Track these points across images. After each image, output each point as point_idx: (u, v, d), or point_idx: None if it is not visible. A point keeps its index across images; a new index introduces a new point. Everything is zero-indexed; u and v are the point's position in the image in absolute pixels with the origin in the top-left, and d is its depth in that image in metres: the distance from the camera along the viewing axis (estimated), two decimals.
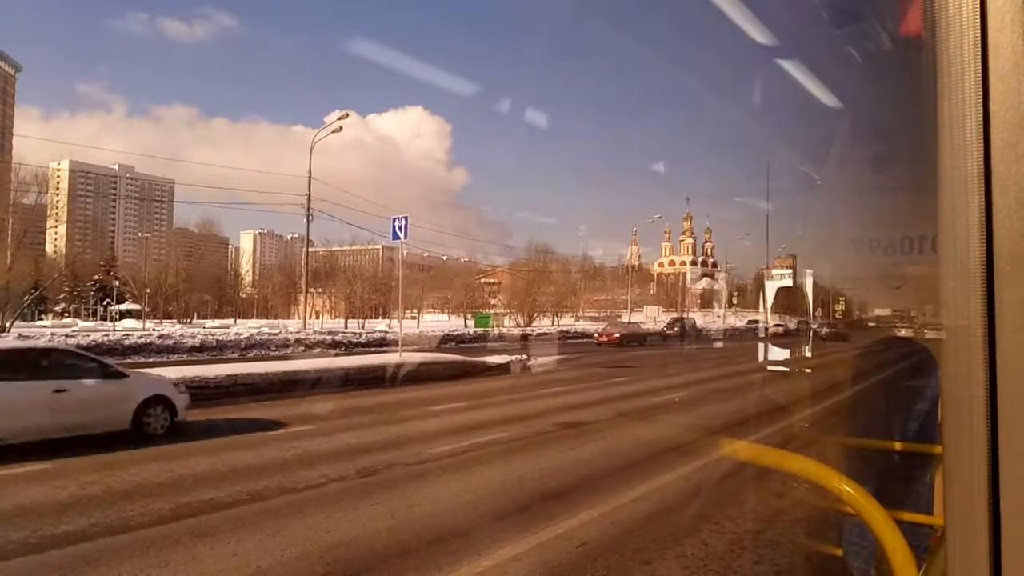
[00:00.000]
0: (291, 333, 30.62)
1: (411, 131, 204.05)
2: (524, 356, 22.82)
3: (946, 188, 1.05)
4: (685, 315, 62.35)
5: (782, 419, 11.17)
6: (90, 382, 8.92)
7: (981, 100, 0.98)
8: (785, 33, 4.07)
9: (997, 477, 0.99)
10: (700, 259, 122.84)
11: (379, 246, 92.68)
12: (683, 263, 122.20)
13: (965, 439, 1.05)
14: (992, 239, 0.99)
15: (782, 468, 2.03)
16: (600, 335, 37.94)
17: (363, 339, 32.01)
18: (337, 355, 25.14)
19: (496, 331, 44.20)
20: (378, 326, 50.29)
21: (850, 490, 1.65)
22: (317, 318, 66.70)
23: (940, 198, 1.06)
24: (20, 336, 22.62)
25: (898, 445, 3.83)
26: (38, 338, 21.94)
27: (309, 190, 34.56)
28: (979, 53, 0.97)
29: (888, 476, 3.98)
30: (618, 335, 36.63)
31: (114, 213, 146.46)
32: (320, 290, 79.72)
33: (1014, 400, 0.96)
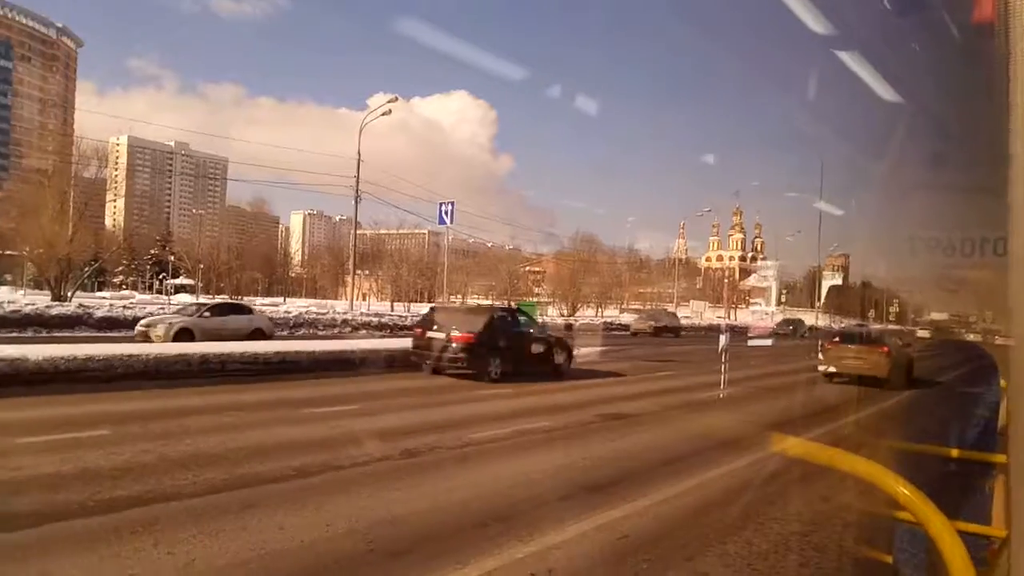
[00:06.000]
0: (338, 314, 31.10)
1: (456, 116, 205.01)
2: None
3: (1018, 187, 1.00)
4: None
5: (832, 420, 10.98)
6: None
7: None
8: (844, 23, 3.96)
9: None
10: (750, 255, 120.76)
11: (425, 231, 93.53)
12: (731, 258, 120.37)
13: None
14: None
15: (834, 467, 1.99)
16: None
17: (408, 322, 32.32)
18: (383, 337, 25.47)
19: (540, 320, 44.32)
20: (423, 310, 50.65)
21: (907, 492, 1.60)
22: (364, 300, 67.72)
23: (1012, 198, 1.01)
24: (81, 306, 23.42)
25: (954, 452, 3.72)
26: (97, 308, 22.84)
27: (358, 172, 34.93)
28: None
29: (942, 482, 3.88)
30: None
31: (170, 189, 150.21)
32: (367, 272, 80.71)
33: None
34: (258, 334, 19.87)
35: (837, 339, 18.30)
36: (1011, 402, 1.06)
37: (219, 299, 54.19)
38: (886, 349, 16.96)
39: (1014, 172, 1.01)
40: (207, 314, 19.46)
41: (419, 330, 15.70)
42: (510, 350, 14.77)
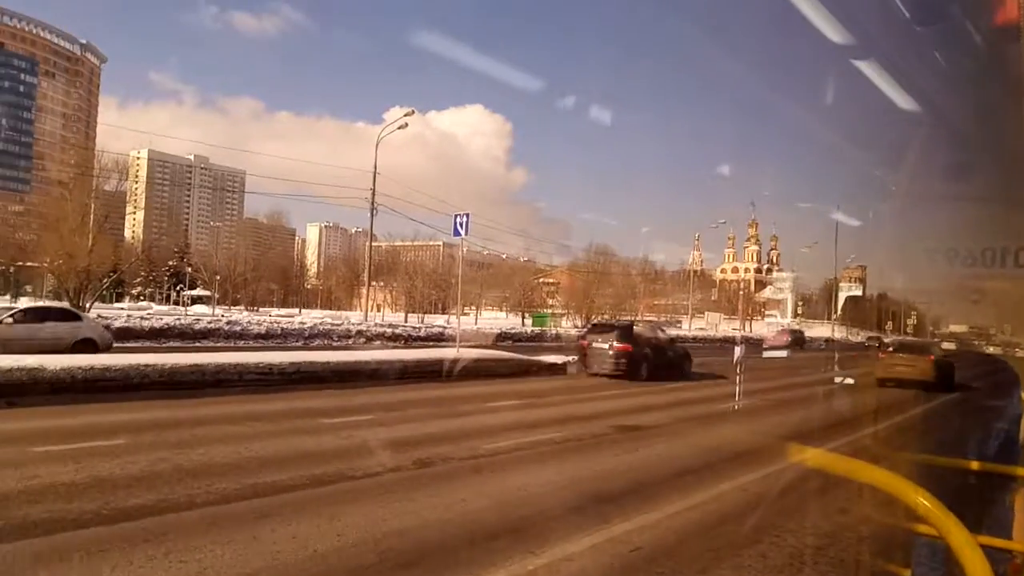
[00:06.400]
0: (353, 325, 31.26)
1: (472, 129, 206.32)
2: None
3: None
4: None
5: (849, 432, 10.84)
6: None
7: None
8: (863, 32, 3.93)
9: None
10: (765, 267, 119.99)
11: (440, 242, 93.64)
12: (747, 270, 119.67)
13: None
14: None
15: (853, 478, 1.95)
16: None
17: (422, 333, 32.41)
18: (396, 348, 25.53)
19: (553, 331, 44.32)
20: (437, 321, 50.77)
21: (928, 504, 1.57)
22: (378, 311, 67.87)
23: None
24: (99, 316, 23.65)
25: (974, 464, 3.65)
26: (115, 319, 23.04)
27: (374, 185, 35.24)
28: None
29: (961, 495, 3.80)
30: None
31: (188, 201, 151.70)
32: (382, 284, 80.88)
33: None
34: (87, 345, 16.22)
35: (891, 349, 21.36)
36: None
37: (234, 310, 54.48)
38: (932, 358, 19.44)
39: None
40: (10, 320, 15.96)
41: (583, 341, 19.51)
42: (654, 357, 18.55)
